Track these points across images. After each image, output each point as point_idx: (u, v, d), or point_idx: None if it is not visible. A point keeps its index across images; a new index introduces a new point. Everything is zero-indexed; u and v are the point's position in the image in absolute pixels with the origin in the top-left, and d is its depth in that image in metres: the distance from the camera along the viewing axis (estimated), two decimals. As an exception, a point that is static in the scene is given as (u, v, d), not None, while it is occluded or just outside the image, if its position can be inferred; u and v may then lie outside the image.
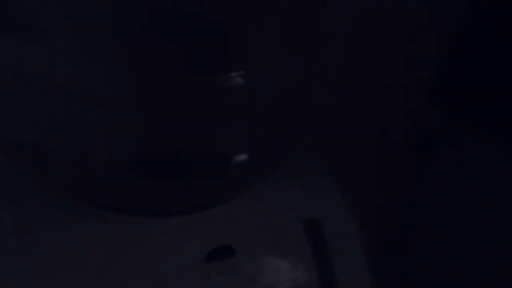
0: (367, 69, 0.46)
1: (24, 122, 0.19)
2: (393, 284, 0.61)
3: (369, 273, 0.32)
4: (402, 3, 0.44)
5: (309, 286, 0.28)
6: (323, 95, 0.24)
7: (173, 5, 0.16)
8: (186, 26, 0.17)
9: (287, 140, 0.25)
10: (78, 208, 0.24)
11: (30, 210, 0.24)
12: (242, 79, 0.19)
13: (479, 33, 0.47)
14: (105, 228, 0.24)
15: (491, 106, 0.47)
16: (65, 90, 0.17)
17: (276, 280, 0.27)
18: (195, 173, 0.21)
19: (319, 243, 0.29)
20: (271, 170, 0.26)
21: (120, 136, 0.19)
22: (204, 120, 0.19)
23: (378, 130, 0.51)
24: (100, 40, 0.16)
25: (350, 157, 0.50)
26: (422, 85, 0.50)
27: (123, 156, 0.20)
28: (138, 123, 0.19)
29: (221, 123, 0.20)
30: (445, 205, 0.54)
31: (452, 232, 0.54)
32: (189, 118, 0.19)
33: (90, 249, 0.24)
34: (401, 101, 0.50)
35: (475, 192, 0.51)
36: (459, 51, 0.49)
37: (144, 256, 0.24)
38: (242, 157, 0.22)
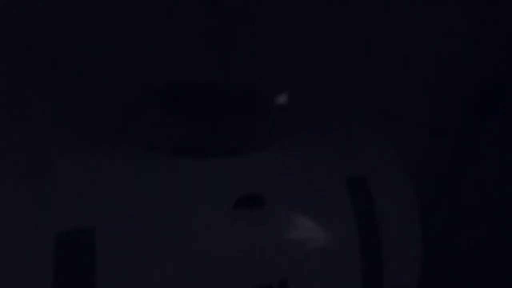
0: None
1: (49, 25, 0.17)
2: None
3: (421, 245, 0.29)
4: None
5: (347, 250, 0.26)
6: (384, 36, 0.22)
7: None
8: None
9: (338, 88, 0.22)
10: (98, 137, 0.23)
11: (46, 131, 0.22)
12: None
13: None
14: (127, 162, 0.23)
15: None
16: None
17: (308, 237, 0.25)
18: (231, 110, 0.19)
19: (364, 205, 0.27)
20: (315, 119, 0.23)
21: (152, 56, 0.17)
22: (252, 40, 0.17)
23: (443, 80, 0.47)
24: None
25: (403, 110, 0.47)
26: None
27: (155, 82, 0.18)
28: (174, 42, 0.17)
29: (271, 47, 0.18)
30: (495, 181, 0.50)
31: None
32: (234, 36, 0.17)
33: (109, 181, 0.22)
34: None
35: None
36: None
37: (167, 196, 0.23)
38: (284, 97, 0.20)
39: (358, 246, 0.26)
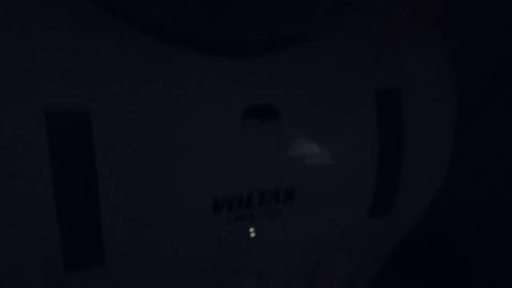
0: None
1: None
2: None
3: (447, 161, 0.27)
4: None
5: (362, 170, 0.24)
6: None
7: None
8: None
9: None
10: (101, 17, 0.20)
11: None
12: None
13: None
14: (127, 46, 0.20)
15: None
16: None
17: (322, 151, 0.23)
18: None
19: (392, 123, 0.24)
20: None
21: None
22: None
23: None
24: None
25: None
26: None
27: None
28: None
29: None
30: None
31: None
32: None
33: (105, 62, 0.19)
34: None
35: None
36: None
37: (174, 91, 0.20)
38: None
39: (376, 167, 0.24)
